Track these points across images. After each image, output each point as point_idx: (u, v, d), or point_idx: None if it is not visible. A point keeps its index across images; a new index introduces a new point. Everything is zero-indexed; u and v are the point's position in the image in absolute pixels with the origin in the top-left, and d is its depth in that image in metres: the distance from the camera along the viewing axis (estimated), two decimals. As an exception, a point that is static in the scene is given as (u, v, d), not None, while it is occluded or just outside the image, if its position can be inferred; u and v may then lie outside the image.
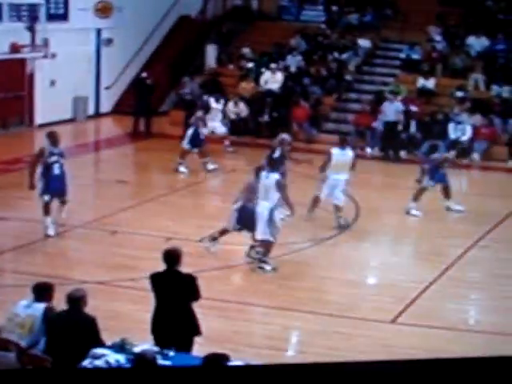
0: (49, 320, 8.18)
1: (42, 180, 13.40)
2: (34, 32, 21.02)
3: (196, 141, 17.89)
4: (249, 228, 12.59)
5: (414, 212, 15.09)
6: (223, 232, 12.86)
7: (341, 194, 14.22)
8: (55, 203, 13.56)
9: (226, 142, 20.25)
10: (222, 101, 20.67)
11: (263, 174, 12.44)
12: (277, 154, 14.22)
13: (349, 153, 14.33)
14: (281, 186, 12.31)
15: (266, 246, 12.34)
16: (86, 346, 7.84)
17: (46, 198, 13.37)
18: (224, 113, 20.64)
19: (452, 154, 15.44)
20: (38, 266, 12.22)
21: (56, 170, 13.40)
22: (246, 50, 24.52)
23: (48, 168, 13.36)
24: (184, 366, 6.98)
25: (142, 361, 7.07)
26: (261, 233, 12.26)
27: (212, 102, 20.34)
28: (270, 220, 12.22)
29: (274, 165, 12.80)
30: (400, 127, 20.65)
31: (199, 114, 18.67)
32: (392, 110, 20.58)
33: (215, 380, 4.83)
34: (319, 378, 4.64)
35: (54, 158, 13.38)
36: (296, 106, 21.78)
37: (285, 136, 14.98)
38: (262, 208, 12.25)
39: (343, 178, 14.20)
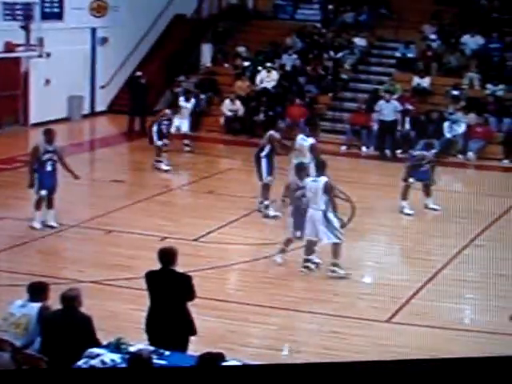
0: (44, 319, 8.16)
1: (36, 176, 13.75)
2: (28, 31, 20.98)
3: (163, 136, 17.90)
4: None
5: (406, 211, 15.13)
6: (287, 242, 12.64)
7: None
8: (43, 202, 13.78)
9: (185, 141, 19.89)
10: (193, 100, 20.30)
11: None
12: (266, 151, 14.25)
13: (309, 140, 14.98)
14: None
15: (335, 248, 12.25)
16: (82, 346, 7.83)
17: (43, 192, 13.76)
18: (192, 112, 20.31)
19: (432, 152, 15.46)
20: (33, 265, 12.20)
21: (49, 167, 13.77)
22: (242, 49, 24.51)
23: (42, 165, 13.72)
24: (180, 367, 6.98)
25: (137, 360, 7.05)
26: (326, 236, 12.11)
27: (181, 100, 20.07)
28: (328, 221, 12.13)
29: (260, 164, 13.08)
30: (399, 127, 20.65)
31: (167, 111, 18.60)
32: (389, 109, 20.58)
33: (212, 380, 4.84)
34: (317, 378, 4.65)
35: (47, 156, 13.68)
36: (291, 104, 21.75)
37: (272, 132, 15.17)
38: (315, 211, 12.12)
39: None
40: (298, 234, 12.44)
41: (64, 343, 7.90)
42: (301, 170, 12.90)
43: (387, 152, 20.40)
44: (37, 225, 13.73)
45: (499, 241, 14.17)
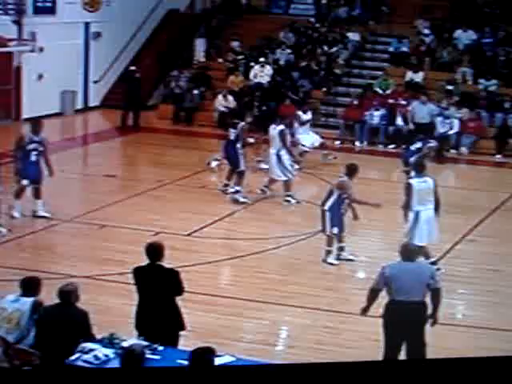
0: (39, 314, 8.15)
1: (20, 166, 13.90)
2: (20, 25, 20.93)
3: None
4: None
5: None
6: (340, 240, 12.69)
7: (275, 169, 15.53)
8: (29, 193, 14.00)
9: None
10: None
11: None
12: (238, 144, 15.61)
13: (278, 128, 15.61)
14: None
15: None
16: (78, 341, 7.83)
17: (25, 182, 13.89)
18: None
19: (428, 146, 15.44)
20: (26, 260, 12.19)
21: (33, 157, 13.89)
22: (235, 44, 24.50)
23: (26, 154, 13.87)
24: (179, 366, 6.98)
25: (130, 356, 7.05)
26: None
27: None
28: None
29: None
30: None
31: None
32: (425, 111, 20.26)
33: (209, 380, 4.85)
34: (317, 378, 4.65)
35: (32, 146, 13.88)
36: (282, 103, 21.68)
37: (241, 123, 15.75)
38: None
39: (271, 152, 15.56)
40: (335, 230, 12.49)
41: (59, 338, 7.89)
42: None
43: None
44: (16, 214, 13.82)
45: (492, 236, 14.21)
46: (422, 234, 11.95)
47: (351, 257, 12.72)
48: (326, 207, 12.44)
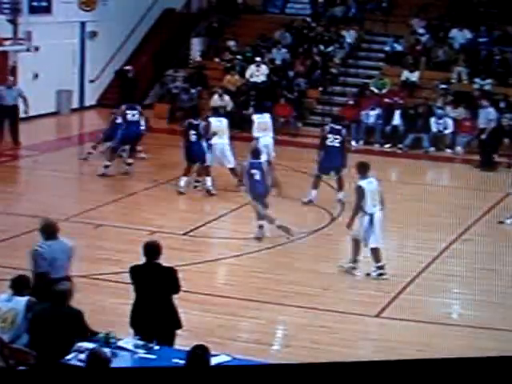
0: (33, 313, 8.13)
1: None
2: (16, 25, 20.88)
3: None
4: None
5: None
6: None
7: (231, 157, 16.24)
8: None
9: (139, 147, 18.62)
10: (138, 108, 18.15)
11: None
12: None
13: (223, 122, 16.52)
14: None
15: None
16: (73, 341, 7.82)
17: None
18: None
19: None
20: (20, 259, 12.12)
21: None
22: (231, 43, 24.49)
23: None
24: (179, 366, 6.96)
25: (95, 359, 6.91)
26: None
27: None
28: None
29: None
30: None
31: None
32: (483, 116, 20.06)
33: (206, 379, 4.84)
34: (317, 378, 4.65)
35: None
36: (277, 102, 21.66)
37: (201, 123, 16.21)
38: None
39: (225, 142, 16.30)
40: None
41: (53, 338, 7.87)
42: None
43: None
44: None
45: (487, 235, 14.22)
46: (377, 237, 11.87)
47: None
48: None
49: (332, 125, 15.76)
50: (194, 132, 16.06)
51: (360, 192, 11.79)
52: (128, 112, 17.25)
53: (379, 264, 11.94)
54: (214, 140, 16.25)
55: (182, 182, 15.97)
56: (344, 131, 15.59)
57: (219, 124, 16.54)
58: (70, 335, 7.87)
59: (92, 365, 6.83)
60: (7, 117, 19.23)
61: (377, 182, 12.00)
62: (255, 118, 17.39)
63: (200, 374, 4.80)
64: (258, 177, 13.24)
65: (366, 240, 11.81)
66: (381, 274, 11.83)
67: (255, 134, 16.92)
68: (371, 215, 11.80)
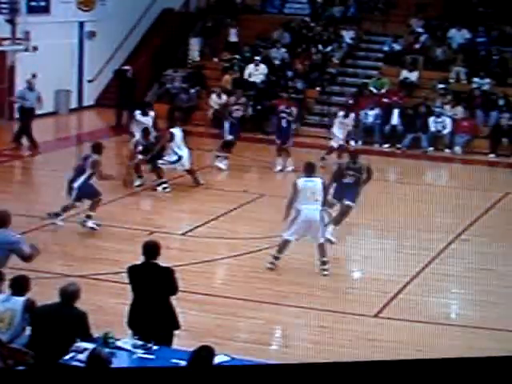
0: (34, 314, 8.12)
1: None
2: (14, 25, 20.88)
3: None
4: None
5: None
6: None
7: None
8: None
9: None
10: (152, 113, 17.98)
11: None
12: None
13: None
14: None
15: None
16: (74, 341, 7.81)
17: None
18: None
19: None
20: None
21: None
22: (232, 31, 24.50)
23: None
24: (178, 366, 6.95)
25: (95, 360, 6.91)
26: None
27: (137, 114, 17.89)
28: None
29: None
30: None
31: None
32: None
33: (206, 379, 4.84)
34: (317, 378, 4.65)
35: None
36: (278, 98, 21.67)
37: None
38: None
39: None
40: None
41: (55, 338, 7.87)
42: None
43: None
44: None
45: (486, 235, 14.23)
46: (297, 231, 12.09)
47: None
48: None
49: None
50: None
51: (293, 188, 12.16)
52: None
53: (276, 254, 12.20)
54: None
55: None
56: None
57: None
58: (71, 335, 7.87)
59: (92, 365, 6.83)
60: (26, 119, 19.22)
61: (320, 183, 12.17)
62: None
63: (201, 375, 4.80)
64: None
65: (287, 229, 12.10)
66: (272, 263, 12.14)
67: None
68: (299, 211, 12.08)
